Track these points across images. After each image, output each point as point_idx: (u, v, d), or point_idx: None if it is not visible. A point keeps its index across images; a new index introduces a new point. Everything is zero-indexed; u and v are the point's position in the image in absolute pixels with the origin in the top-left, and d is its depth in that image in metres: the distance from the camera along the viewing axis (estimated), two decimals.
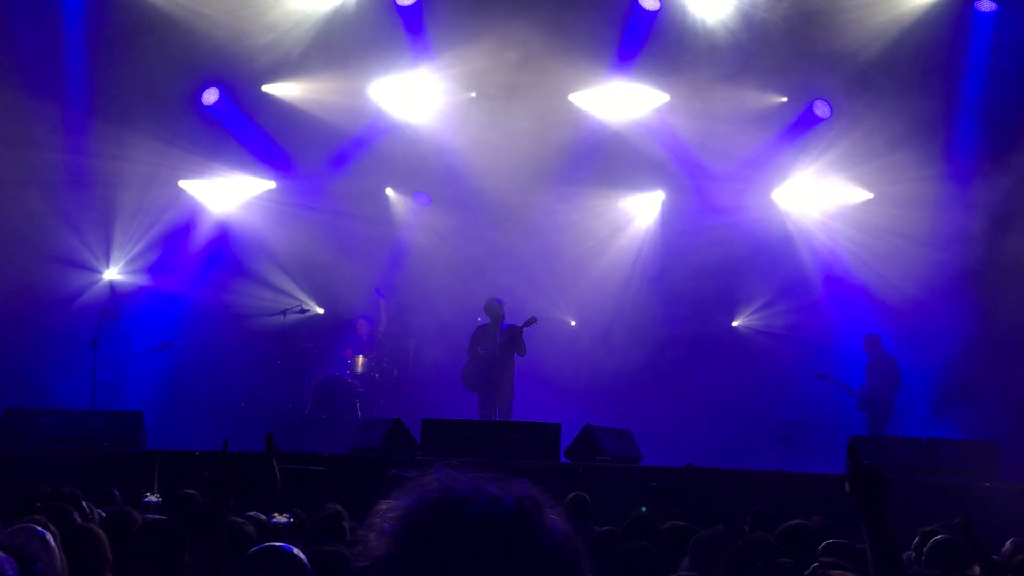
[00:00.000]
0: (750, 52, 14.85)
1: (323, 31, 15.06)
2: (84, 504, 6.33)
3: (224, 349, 15.73)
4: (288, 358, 15.76)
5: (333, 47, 15.10)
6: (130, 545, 4.87)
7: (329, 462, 10.62)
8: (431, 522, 1.66)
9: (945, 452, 11.16)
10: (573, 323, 16.67)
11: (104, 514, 6.30)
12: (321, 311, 16.57)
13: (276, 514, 6.45)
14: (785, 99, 15.44)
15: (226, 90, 15.68)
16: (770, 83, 15.27)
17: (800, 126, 15.65)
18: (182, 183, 15.91)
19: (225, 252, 16.24)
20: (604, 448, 10.91)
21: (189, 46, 14.89)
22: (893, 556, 3.00)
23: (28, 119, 14.52)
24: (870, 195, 15.64)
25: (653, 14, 15.05)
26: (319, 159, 16.05)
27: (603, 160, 16.06)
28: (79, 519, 5.65)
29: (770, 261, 16.15)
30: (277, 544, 3.85)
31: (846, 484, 3.08)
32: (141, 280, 15.85)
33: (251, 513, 6.41)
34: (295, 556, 3.74)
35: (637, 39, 15.23)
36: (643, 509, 9.12)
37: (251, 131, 15.91)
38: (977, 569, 5.74)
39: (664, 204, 16.57)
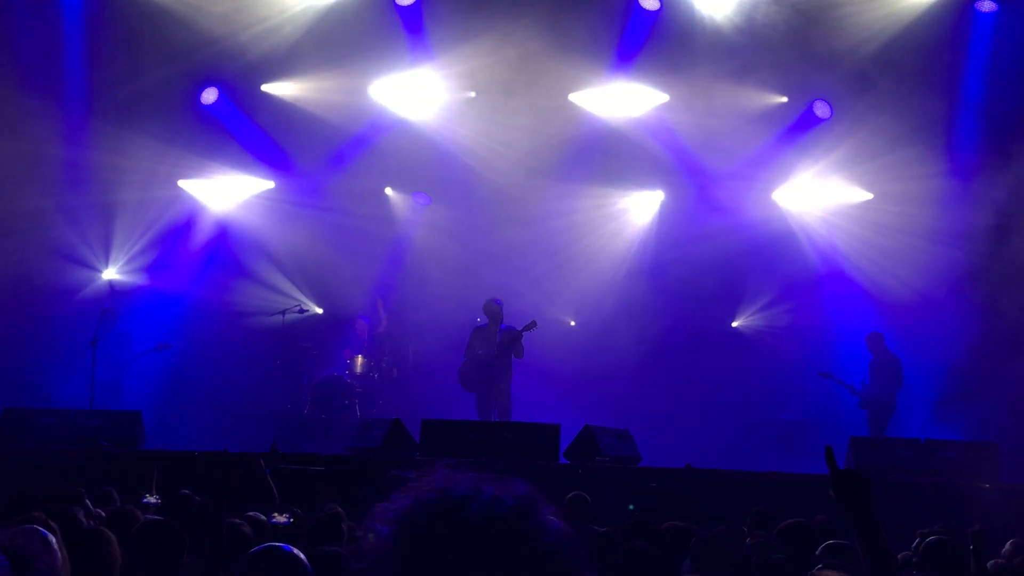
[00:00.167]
0: (750, 52, 14.84)
1: (322, 30, 15.04)
2: (88, 504, 6.33)
3: (223, 349, 15.73)
4: (287, 358, 15.75)
5: (332, 46, 15.08)
6: (129, 545, 4.86)
7: (328, 462, 10.61)
8: (431, 523, 1.66)
9: (945, 453, 11.15)
10: (573, 323, 16.66)
11: (104, 514, 6.29)
12: (320, 311, 16.56)
13: (276, 514, 6.44)
14: (785, 99, 15.44)
15: (225, 89, 15.67)
16: (770, 83, 15.26)
17: (800, 126, 15.64)
18: (181, 183, 15.90)
19: (224, 251, 16.24)
20: (603, 449, 10.90)
21: (188, 45, 14.88)
22: (886, 558, 3.00)
23: (27, 118, 14.50)
24: (870, 195, 15.64)
25: (653, 14, 15.04)
26: (318, 158, 16.03)
27: (603, 160, 16.05)
28: (83, 519, 5.64)
29: (771, 261, 16.14)
30: (277, 544, 3.84)
31: (830, 490, 3.11)
32: (140, 279, 15.84)
33: (250, 514, 6.39)
34: (295, 556, 3.73)
35: (637, 39, 15.22)
36: (631, 507, 9.14)
37: (250, 130, 15.90)
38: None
39: (664, 204, 16.56)
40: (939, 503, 9.89)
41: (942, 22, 14.72)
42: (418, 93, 15.66)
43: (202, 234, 16.17)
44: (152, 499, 7.26)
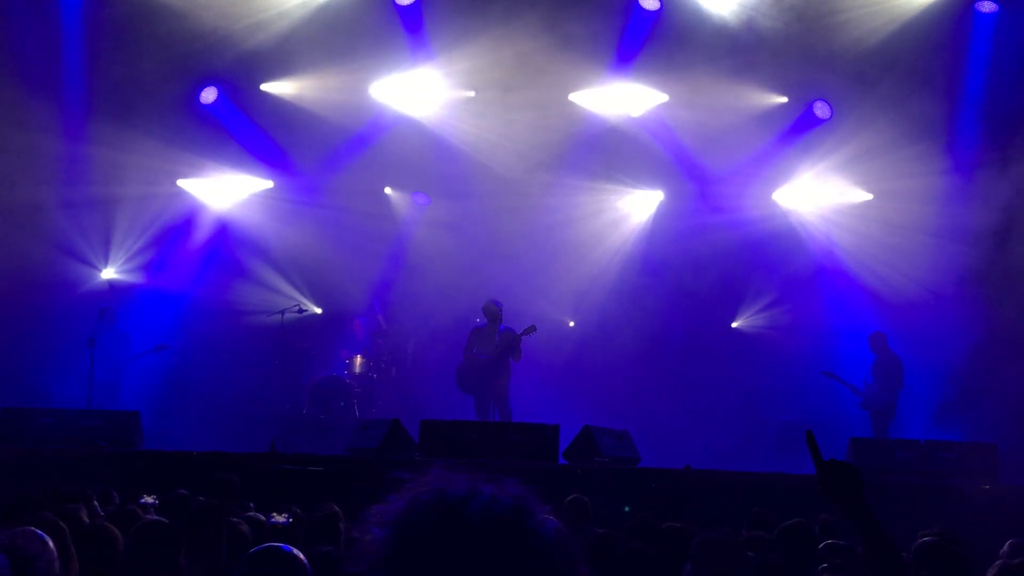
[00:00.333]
0: (750, 52, 14.82)
1: (321, 29, 15.02)
2: (96, 503, 6.34)
3: (222, 349, 15.71)
4: (286, 358, 15.73)
5: (332, 46, 15.06)
6: (127, 546, 4.85)
7: (327, 463, 10.60)
8: (429, 524, 1.66)
9: (945, 454, 11.13)
10: (572, 323, 16.65)
11: (105, 514, 6.28)
12: (319, 311, 16.55)
13: (275, 514, 6.43)
14: (785, 99, 15.43)
15: (224, 89, 15.66)
16: (770, 83, 15.25)
17: (800, 126, 15.64)
18: (180, 182, 15.89)
19: (223, 251, 16.23)
20: (603, 449, 10.88)
21: (187, 44, 14.85)
22: (892, 554, 2.86)
23: (25, 117, 14.48)
24: (870, 196, 15.64)
25: (653, 14, 15.04)
26: (317, 158, 16.02)
27: (603, 159, 16.05)
28: (86, 518, 5.64)
29: (771, 261, 16.14)
30: (277, 545, 3.82)
31: (818, 485, 2.98)
32: (139, 279, 15.82)
33: (249, 514, 6.38)
34: (295, 557, 3.72)
35: (637, 39, 15.22)
36: (626, 509, 9.13)
37: (249, 130, 15.90)
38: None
39: (664, 204, 16.56)
40: (939, 504, 9.87)
41: (942, 23, 14.70)
42: (418, 92, 15.65)
43: (201, 233, 16.17)
44: (149, 499, 7.25)
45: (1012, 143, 14.63)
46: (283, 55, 15.17)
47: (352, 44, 15.05)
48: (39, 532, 3.82)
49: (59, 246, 15.27)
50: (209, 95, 15.60)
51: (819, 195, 15.95)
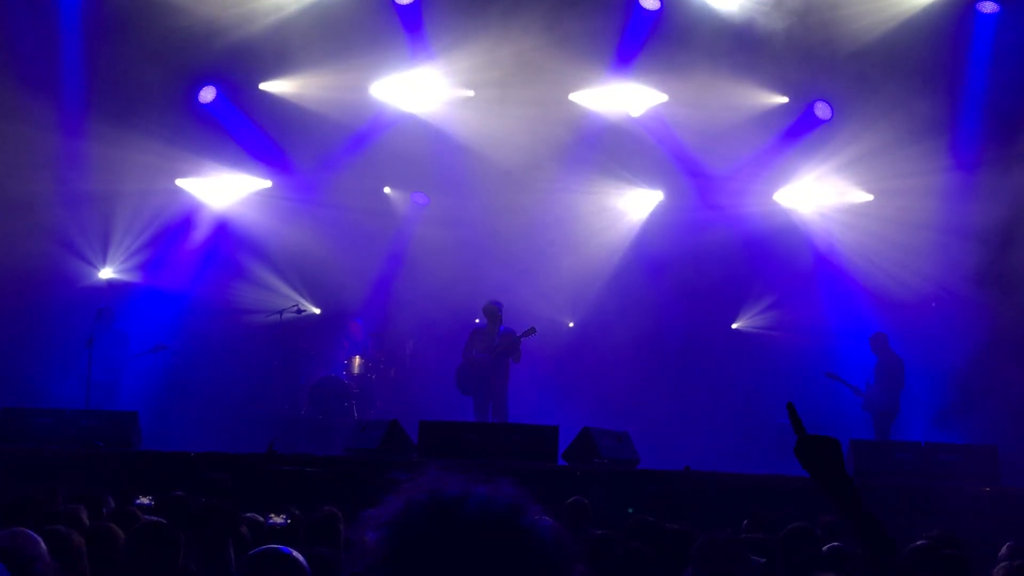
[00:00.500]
0: (751, 52, 14.81)
1: (320, 29, 14.99)
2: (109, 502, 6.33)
3: (220, 350, 15.68)
4: (285, 359, 15.71)
5: (331, 45, 15.03)
6: (126, 546, 4.84)
7: (325, 464, 10.58)
8: (425, 525, 1.66)
9: (945, 456, 11.11)
10: (571, 324, 16.63)
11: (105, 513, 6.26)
12: (318, 311, 16.53)
13: (273, 515, 6.40)
14: (786, 99, 15.42)
15: (223, 88, 15.64)
16: (771, 83, 15.24)
17: (801, 127, 15.63)
18: (179, 181, 15.87)
19: (222, 251, 16.21)
20: (602, 451, 10.85)
21: (186, 43, 14.81)
22: (869, 519, 2.78)
23: (23, 112, 14.44)
24: (870, 196, 15.63)
25: (654, 13, 15.02)
26: (316, 157, 16.01)
27: (603, 159, 16.03)
28: (86, 520, 5.63)
29: (772, 262, 16.11)
30: (276, 546, 3.80)
31: (797, 453, 2.95)
32: (137, 278, 15.79)
33: (248, 515, 6.35)
34: (295, 558, 3.70)
35: (637, 38, 15.20)
36: (630, 511, 9.10)
37: (248, 129, 15.88)
38: None
39: (664, 204, 16.54)
40: (939, 507, 9.85)
41: (943, 23, 14.69)
42: (417, 91, 15.63)
43: (200, 233, 16.14)
44: (145, 500, 7.23)
45: (1015, 143, 14.60)
46: (282, 54, 15.14)
47: (351, 43, 15.02)
48: (32, 534, 3.80)
49: (57, 242, 15.24)
50: (208, 94, 15.58)
51: (820, 195, 15.94)
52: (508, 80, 15.09)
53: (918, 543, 6.19)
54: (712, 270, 15.82)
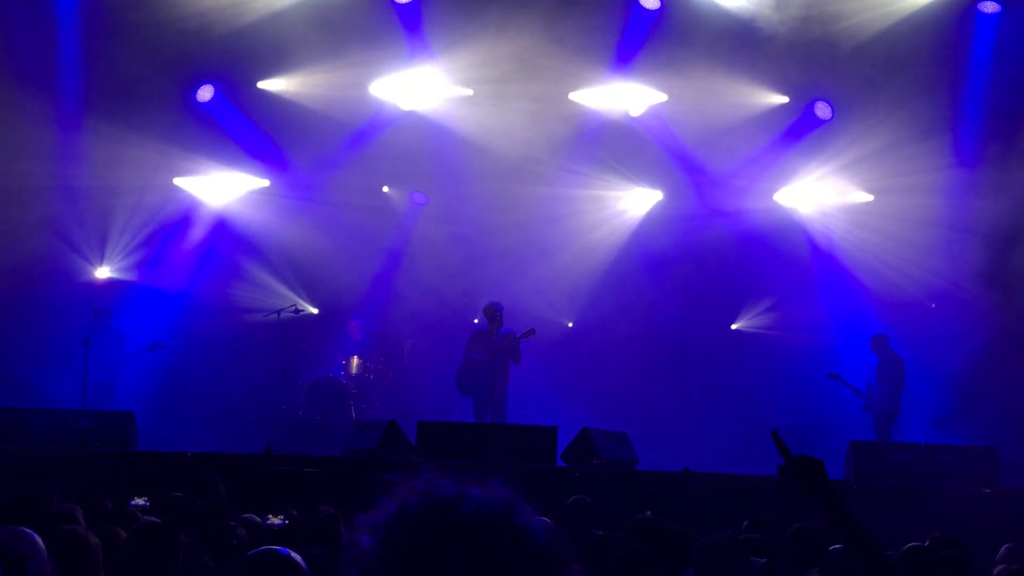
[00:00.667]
0: (751, 52, 14.79)
1: (319, 27, 14.96)
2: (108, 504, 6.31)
3: (218, 349, 15.66)
4: (282, 359, 15.67)
5: (329, 44, 15.00)
6: (124, 547, 4.81)
7: (323, 464, 10.54)
8: (420, 527, 1.67)
9: (945, 458, 11.09)
10: (570, 324, 16.60)
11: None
12: (315, 311, 16.49)
13: (271, 516, 6.37)
14: (787, 99, 15.40)
15: (221, 86, 15.60)
16: (771, 83, 15.22)
17: (801, 127, 15.61)
18: (177, 180, 15.83)
19: (219, 250, 16.17)
20: (600, 452, 10.83)
21: (184, 41, 14.78)
22: (858, 531, 3.02)
23: (21, 116, 14.41)
24: (871, 197, 15.61)
25: (654, 13, 15.00)
26: (314, 156, 15.97)
27: (602, 159, 16.01)
28: (82, 521, 5.60)
29: (772, 262, 16.09)
30: (274, 547, 3.77)
31: (785, 479, 3.12)
32: (134, 277, 15.76)
33: (245, 516, 6.32)
34: (293, 559, 3.66)
35: (637, 38, 15.18)
36: (648, 513, 9.04)
37: (246, 128, 15.85)
38: None
39: (664, 204, 16.51)
40: (939, 508, 9.83)
41: (944, 23, 14.66)
42: (416, 90, 15.60)
43: (197, 231, 16.10)
44: (140, 501, 7.19)
45: (1016, 140, 14.58)
46: (280, 52, 15.11)
47: (350, 42, 14.99)
48: (29, 532, 3.78)
49: (55, 236, 15.21)
50: (205, 93, 15.54)
51: (821, 195, 15.91)
52: (507, 79, 15.07)
53: (913, 544, 6.17)
54: (712, 270, 15.80)
